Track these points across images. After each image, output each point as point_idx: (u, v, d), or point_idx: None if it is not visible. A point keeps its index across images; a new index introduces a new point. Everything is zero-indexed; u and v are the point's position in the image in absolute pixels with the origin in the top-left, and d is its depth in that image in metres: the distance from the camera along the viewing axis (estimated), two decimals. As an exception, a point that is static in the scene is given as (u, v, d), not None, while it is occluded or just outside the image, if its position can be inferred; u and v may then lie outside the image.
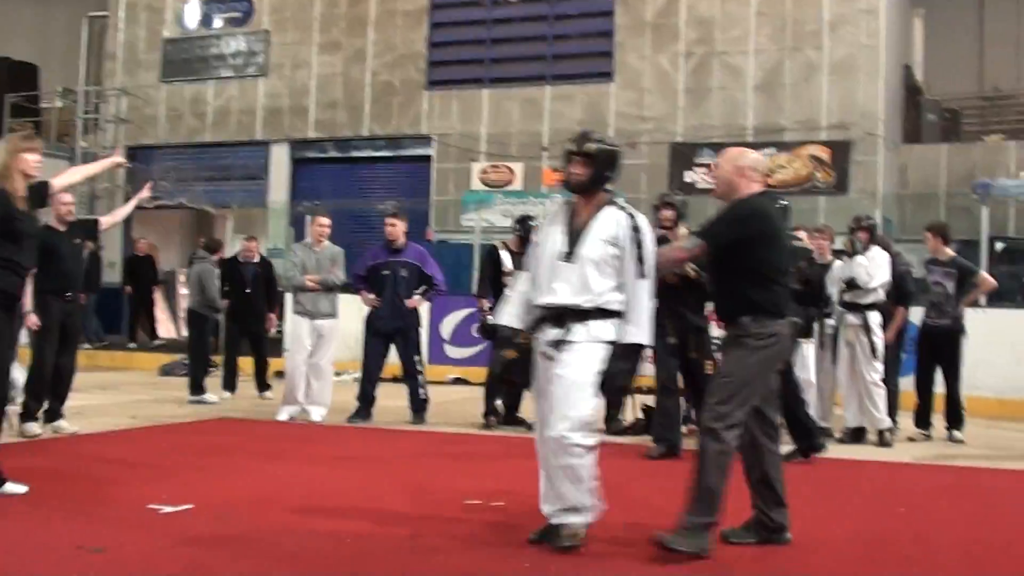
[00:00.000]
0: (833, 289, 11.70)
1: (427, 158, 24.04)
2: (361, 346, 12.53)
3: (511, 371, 6.44)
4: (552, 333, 6.13)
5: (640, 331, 6.09)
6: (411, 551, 6.04)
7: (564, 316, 6.11)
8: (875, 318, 11.48)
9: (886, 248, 11.88)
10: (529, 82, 23.34)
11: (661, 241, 8.81)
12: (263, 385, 15.14)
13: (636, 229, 6.08)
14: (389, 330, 12.29)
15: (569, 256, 6.13)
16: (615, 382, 6.11)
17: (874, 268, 11.45)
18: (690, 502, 6.03)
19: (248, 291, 14.98)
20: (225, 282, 14.91)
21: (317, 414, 12.25)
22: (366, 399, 12.31)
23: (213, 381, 14.74)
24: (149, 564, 5.54)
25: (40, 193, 7.68)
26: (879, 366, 11.44)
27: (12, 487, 7.27)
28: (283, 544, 6.09)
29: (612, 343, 6.06)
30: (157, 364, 18.94)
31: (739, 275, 6.29)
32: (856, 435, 11.60)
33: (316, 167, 25.32)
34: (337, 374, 16.71)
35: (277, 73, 25.31)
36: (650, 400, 11.36)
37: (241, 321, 15.10)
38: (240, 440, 10.54)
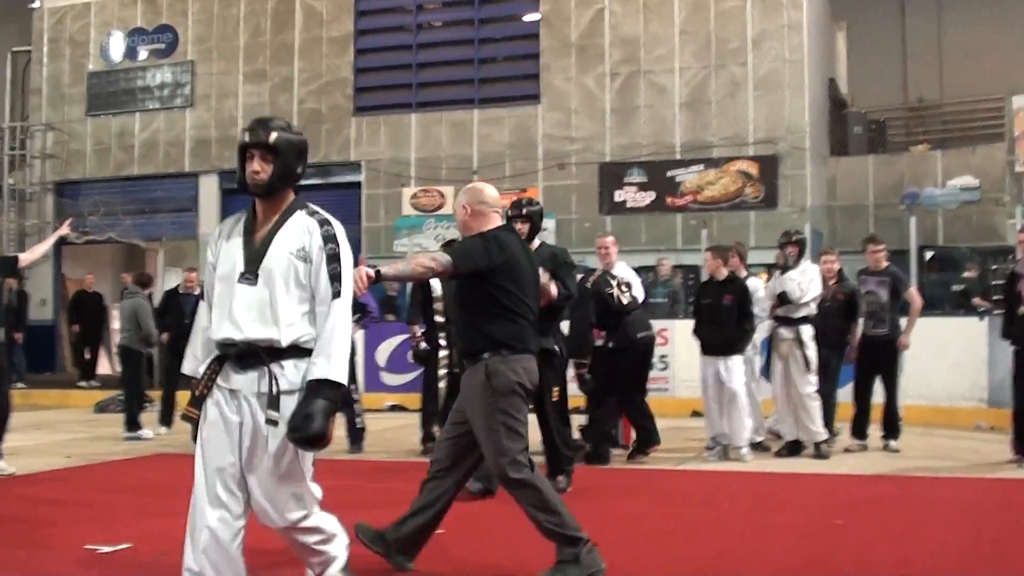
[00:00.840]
0: (765, 304, 11.82)
1: (357, 184, 24.03)
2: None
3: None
4: (239, 380, 4.88)
5: (332, 364, 4.79)
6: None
7: (251, 354, 4.84)
8: (808, 331, 11.56)
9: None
10: (457, 106, 23.42)
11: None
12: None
13: (329, 237, 4.92)
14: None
15: (249, 275, 4.88)
16: (309, 439, 4.73)
17: (806, 282, 11.56)
18: (549, 539, 5.96)
19: (188, 323, 14.83)
20: (164, 314, 14.81)
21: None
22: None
23: (149, 417, 14.61)
24: (89, 607, 5.50)
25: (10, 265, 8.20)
26: (813, 379, 11.52)
27: None
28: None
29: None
30: (92, 401, 18.72)
31: (480, 309, 6.14)
32: (793, 448, 11.69)
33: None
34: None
35: (204, 104, 25.21)
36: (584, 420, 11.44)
37: (181, 354, 14.89)
38: (176, 476, 10.40)
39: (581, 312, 10.85)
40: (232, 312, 4.87)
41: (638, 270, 12.71)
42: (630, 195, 21.67)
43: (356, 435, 12.32)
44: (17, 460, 11.03)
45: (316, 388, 4.72)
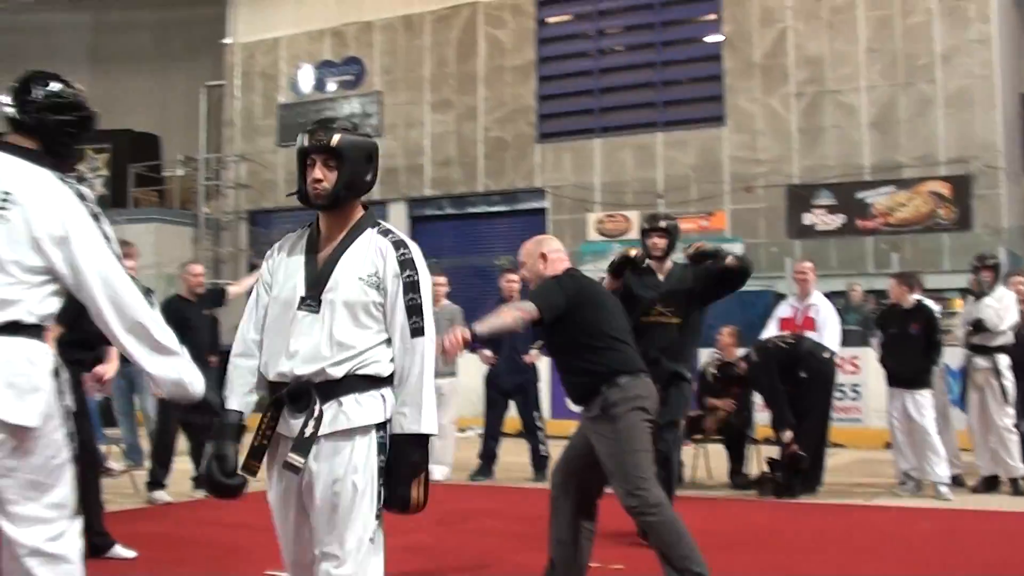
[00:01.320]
0: (959, 331, 11.44)
1: (542, 211, 24.11)
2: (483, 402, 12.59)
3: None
4: (294, 424, 4.06)
5: (422, 416, 4.06)
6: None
7: (307, 393, 4.03)
8: (1004, 361, 11.11)
9: None
10: (640, 129, 23.29)
11: (642, 270, 8.62)
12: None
13: (407, 263, 4.14)
14: (509, 387, 12.34)
15: (310, 302, 4.11)
16: (398, 508, 4.13)
17: (1003, 309, 11.15)
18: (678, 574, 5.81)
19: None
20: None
21: (440, 473, 12.25)
22: (488, 456, 12.36)
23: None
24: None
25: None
26: (1011, 411, 11.06)
27: (121, 551, 7.41)
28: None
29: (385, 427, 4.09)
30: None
31: (576, 348, 6.01)
32: (989, 484, 11.25)
33: (434, 224, 25.52)
34: (462, 431, 16.83)
35: (392, 133, 25.58)
36: (775, 451, 11.24)
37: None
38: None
39: (769, 381, 10.74)
40: (289, 344, 4.08)
41: (828, 296, 12.45)
42: (819, 218, 21.28)
43: (540, 463, 12.28)
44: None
45: (405, 445, 4.04)
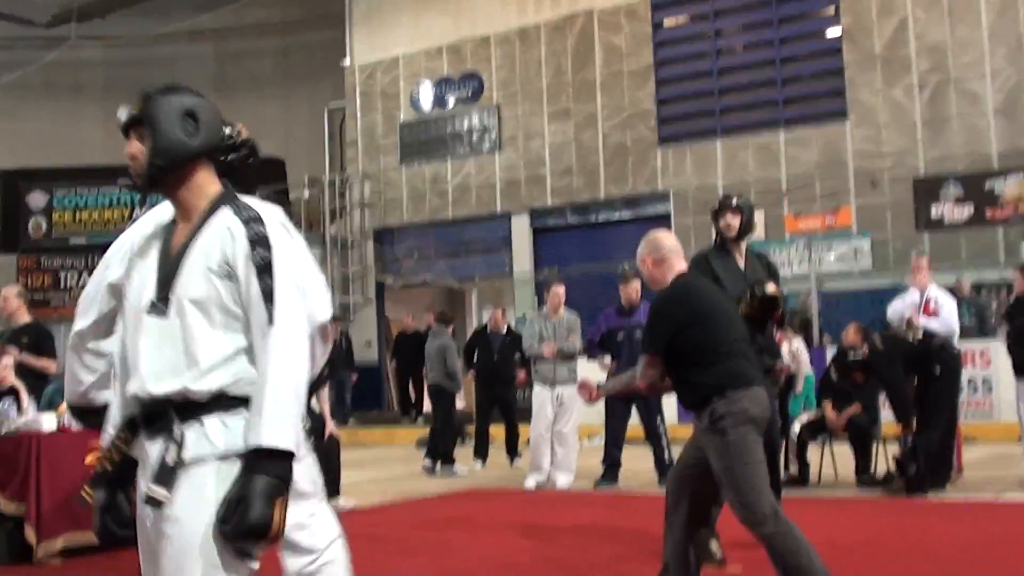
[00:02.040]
0: None
1: (666, 215, 23.96)
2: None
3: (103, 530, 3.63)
4: (152, 451, 3.34)
5: (272, 425, 3.20)
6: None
7: (163, 414, 3.31)
8: None
9: None
10: (762, 128, 23.02)
11: (721, 250, 8.33)
12: (513, 451, 15.27)
13: (258, 241, 3.34)
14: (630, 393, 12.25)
15: (158, 305, 3.37)
16: (244, 532, 3.13)
17: None
18: None
19: (496, 359, 15.23)
20: (473, 352, 15.28)
21: (563, 480, 12.26)
22: (612, 463, 12.30)
23: (464, 452, 14.92)
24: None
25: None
26: None
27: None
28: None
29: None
30: (415, 438, 19.22)
31: (687, 363, 5.81)
32: None
33: (557, 234, 25.54)
34: (588, 438, 16.80)
35: (511, 146, 25.67)
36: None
37: (490, 389, 15.33)
38: (483, 512, 10.60)
39: (891, 370, 10.56)
40: (138, 357, 3.38)
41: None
42: (947, 210, 20.82)
43: (665, 468, 12.11)
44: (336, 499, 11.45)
45: (253, 461, 3.17)
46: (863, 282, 20.82)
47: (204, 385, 3.27)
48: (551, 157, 25.17)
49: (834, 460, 11.82)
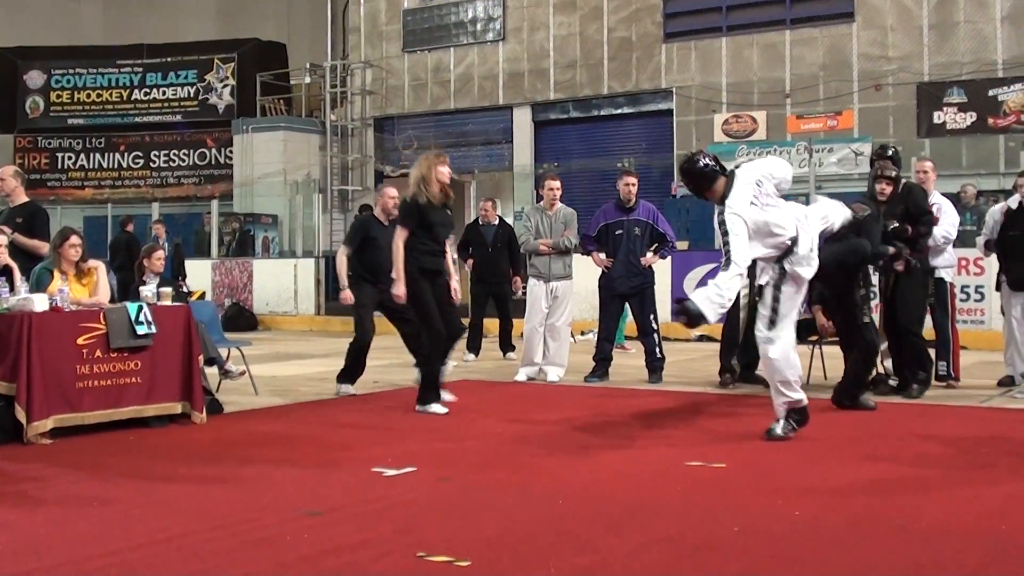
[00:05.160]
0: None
1: (668, 112, 23.87)
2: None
3: None
4: None
5: None
6: (621, 512, 5.99)
7: None
8: None
9: None
10: (768, 27, 22.87)
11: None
12: (507, 346, 15.33)
13: None
14: (625, 290, 12.26)
15: None
16: None
17: None
18: None
19: (490, 251, 15.22)
20: (468, 244, 15.23)
21: (554, 374, 12.30)
22: (603, 358, 12.34)
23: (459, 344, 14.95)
24: (362, 526, 5.64)
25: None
26: None
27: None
28: (495, 504, 6.13)
29: None
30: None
31: None
32: None
33: (558, 128, 25.46)
34: (582, 333, 16.86)
35: (515, 37, 25.48)
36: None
37: (485, 282, 15.34)
38: (474, 401, 10.66)
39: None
40: None
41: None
42: (949, 116, 20.71)
43: (655, 365, 12.19)
44: (327, 385, 11.53)
45: None
46: (862, 185, 20.74)
47: None
48: (555, 50, 25.01)
49: (823, 363, 11.87)
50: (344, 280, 11.18)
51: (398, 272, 9.79)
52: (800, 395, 8.08)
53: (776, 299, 8.07)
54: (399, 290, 9.82)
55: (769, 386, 8.21)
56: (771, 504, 6.01)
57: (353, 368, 11.34)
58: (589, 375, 12.22)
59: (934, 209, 11.02)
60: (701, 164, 8.19)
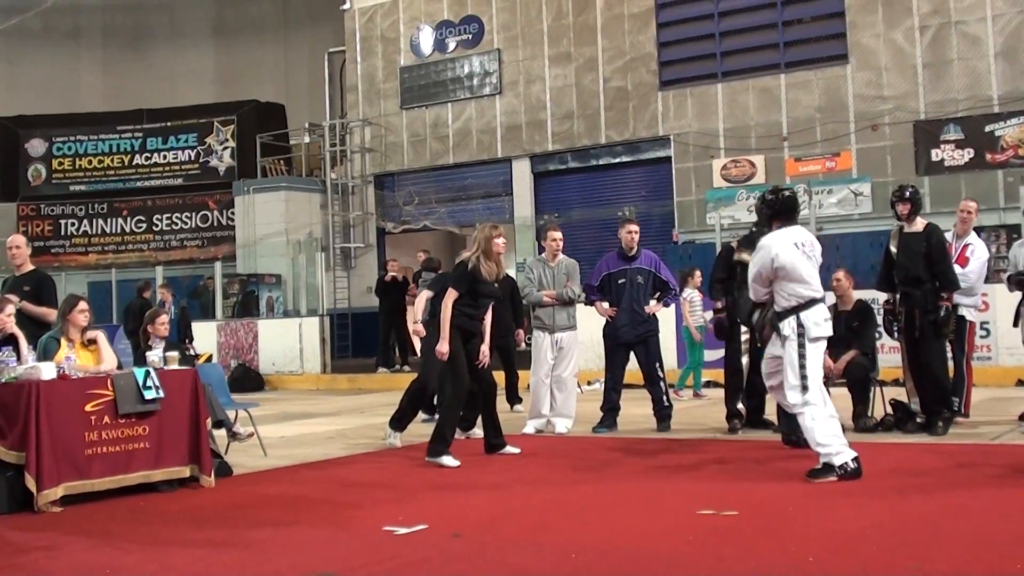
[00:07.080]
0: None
1: (667, 159, 23.95)
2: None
3: None
4: None
5: None
6: (634, 564, 5.97)
7: None
8: None
9: None
10: (763, 72, 22.98)
11: None
12: (514, 398, 15.28)
13: None
14: (630, 338, 12.26)
15: None
16: None
17: None
18: None
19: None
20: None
21: (562, 425, 12.28)
22: (611, 407, 12.32)
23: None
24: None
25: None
26: None
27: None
28: (508, 560, 6.12)
29: None
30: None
31: None
32: None
33: (558, 178, 25.54)
34: (589, 383, 16.83)
35: (512, 90, 25.62)
36: (898, 393, 11.09)
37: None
38: (482, 457, 10.64)
39: None
40: None
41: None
42: (947, 153, 20.77)
43: (663, 413, 12.15)
44: (335, 444, 11.52)
45: None
46: (863, 226, 20.84)
47: None
48: (552, 101, 25.13)
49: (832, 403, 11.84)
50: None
51: (444, 330, 10.19)
52: (845, 456, 8.19)
53: (803, 365, 8.19)
54: (443, 348, 10.17)
55: (778, 429, 8.24)
56: (783, 550, 6.01)
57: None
58: (598, 425, 12.20)
59: (967, 250, 11.16)
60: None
